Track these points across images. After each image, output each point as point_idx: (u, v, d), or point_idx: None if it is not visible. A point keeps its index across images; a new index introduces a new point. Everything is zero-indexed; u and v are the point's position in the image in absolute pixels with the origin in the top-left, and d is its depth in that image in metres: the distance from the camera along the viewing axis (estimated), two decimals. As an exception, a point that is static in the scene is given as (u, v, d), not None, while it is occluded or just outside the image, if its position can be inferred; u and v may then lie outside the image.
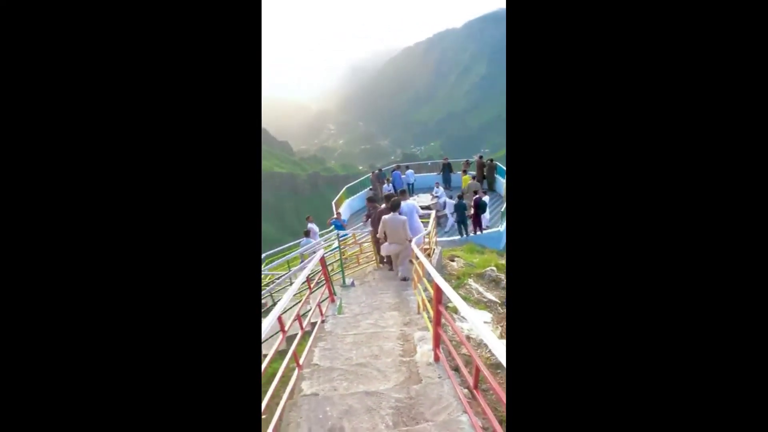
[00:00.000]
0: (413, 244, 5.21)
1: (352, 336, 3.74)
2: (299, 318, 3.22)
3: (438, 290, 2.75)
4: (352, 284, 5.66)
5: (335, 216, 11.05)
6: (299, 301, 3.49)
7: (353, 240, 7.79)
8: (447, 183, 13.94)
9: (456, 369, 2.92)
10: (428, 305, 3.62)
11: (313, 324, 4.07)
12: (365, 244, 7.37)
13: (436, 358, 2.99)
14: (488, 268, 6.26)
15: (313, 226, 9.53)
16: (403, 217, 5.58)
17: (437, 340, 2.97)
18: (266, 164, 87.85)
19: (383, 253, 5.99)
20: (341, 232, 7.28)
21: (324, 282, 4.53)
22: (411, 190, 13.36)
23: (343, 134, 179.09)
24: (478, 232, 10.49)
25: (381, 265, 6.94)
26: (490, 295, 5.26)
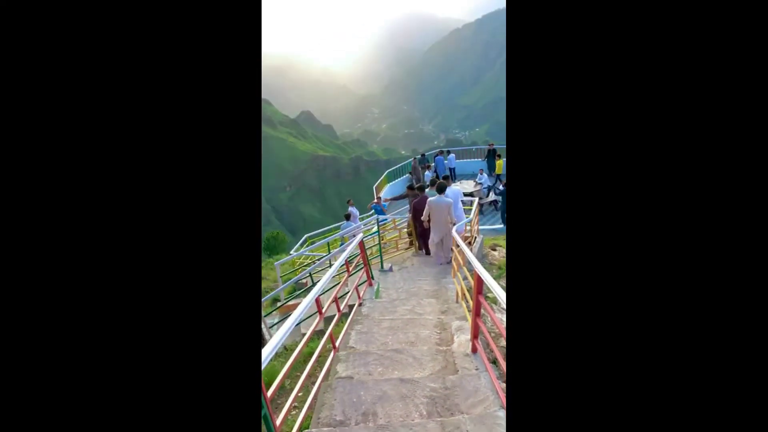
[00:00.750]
0: (454, 232, 5.09)
1: (389, 321, 3.73)
2: (336, 300, 3.23)
3: (479, 280, 2.65)
4: (390, 269, 5.65)
5: (375, 200, 11.07)
6: (338, 284, 3.52)
7: (393, 225, 7.76)
8: (492, 170, 13.54)
9: (494, 362, 2.83)
10: (467, 295, 3.52)
11: (351, 307, 4.10)
12: (405, 230, 7.31)
13: (474, 350, 2.91)
14: (532, 260, 6.01)
15: (353, 210, 9.60)
16: (449, 200, 5.52)
17: (476, 331, 2.88)
18: (310, 147, 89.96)
19: (428, 236, 5.96)
20: (381, 217, 7.27)
21: (363, 266, 4.54)
22: (453, 175, 13.11)
23: (387, 118, 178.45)
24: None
25: (420, 251, 6.88)
26: (532, 288, 5.07)
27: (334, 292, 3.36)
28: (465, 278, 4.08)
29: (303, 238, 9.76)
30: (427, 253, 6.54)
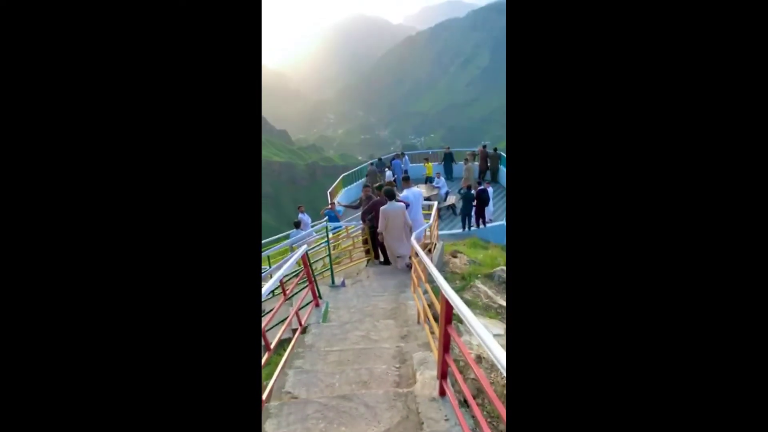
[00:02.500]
0: (413, 240, 4.52)
1: (338, 353, 3.06)
2: (264, 335, 2.52)
3: (447, 307, 2.06)
4: (342, 284, 4.97)
5: (329, 206, 10.32)
6: (271, 310, 2.81)
7: (346, 233, 7.08)
8: (449, 174, 13.26)
9: (466, 403, 2.25)
10: (429, 315, 2.93)
11: (292, 333, 3.39)
12: (359, 238, 6.66)
13: (442, 392, 2.31)
14: (498, 269, 5.58)
15: (304, 217, 8.82)
16: (401, 204, 5.02)
17: (444, 370, 2.28)
18: (264, 153, 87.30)
19: (385, 244, 5.47)
20: (333, 224, 6.53)
21: (307, 283, 3.84)
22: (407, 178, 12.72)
23: (343, 124, 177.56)
24: (482, 226, 9.82)
25: (375, 260, 6.25)
26: (500, 300, 4.58)
27: (265, 321, 2.65)
28: (425, 292, 3.50)
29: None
30: (385, 262, 5.96)
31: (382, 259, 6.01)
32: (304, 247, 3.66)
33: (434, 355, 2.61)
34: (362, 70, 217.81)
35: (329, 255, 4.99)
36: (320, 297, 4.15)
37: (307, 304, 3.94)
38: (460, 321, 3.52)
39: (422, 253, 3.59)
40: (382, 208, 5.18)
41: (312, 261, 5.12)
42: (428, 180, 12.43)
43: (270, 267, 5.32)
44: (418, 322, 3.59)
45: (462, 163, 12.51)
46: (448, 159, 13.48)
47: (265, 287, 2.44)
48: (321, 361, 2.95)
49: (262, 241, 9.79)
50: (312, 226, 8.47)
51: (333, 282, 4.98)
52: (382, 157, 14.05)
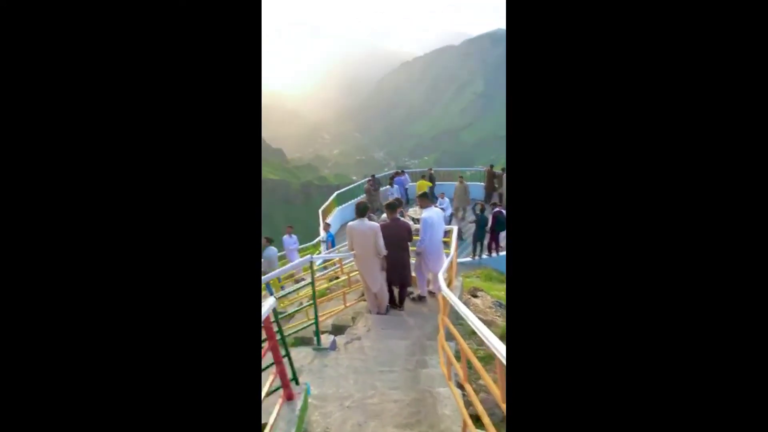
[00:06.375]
0: (441, 279, 3.03)
1: None
2: None
3: None
4: (332, 346, 3.39)
5: (324, 227, 8.78)
6: None
7: (338, 265, 5.49)
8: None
9: None
10: (485, 418, 1.41)
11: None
12: (355, 273, 5.09)
13: None
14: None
15: (288, 240, 7.26)
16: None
17: None
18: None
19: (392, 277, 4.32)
20: (317, 256, 4.86)
21: (273, 364, 2.27)
22: (406, 197, 11.45)
23: (338, 144, 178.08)
24: (494, 254, 8.39)
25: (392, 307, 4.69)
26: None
27: None
28: (454, 355, 1.97)
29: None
30: (399, 304, 4.47)
31: (390, 301, 4.48)
32: (271, 301, 2.12)
33: None
34: (360, 93, 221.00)
35: (314, 304, 3.40)
36: (295, 378, 2.57)
37: (274, 391, 2.36)
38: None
39: (450, 294, 2.18)
40: (348, 224, 4.09)
41: (286, 307, 3.61)
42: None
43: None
44: (465, 445, 2.03)
45: (453, 184, 11.20)
46: (431, 180, 12.17)
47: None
48: None
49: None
50: (301, 253, 6.86)
51: (318, 342, 3.39)
52: (376, 176, 12.72)
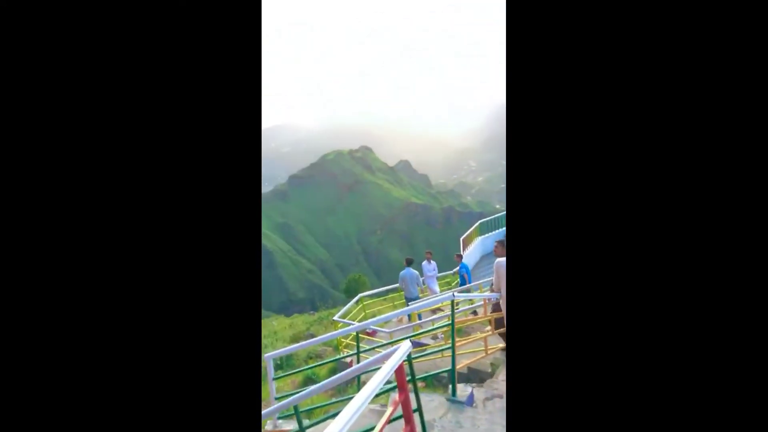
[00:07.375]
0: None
1: None
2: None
3: None
4: (470, 401, 2.96)
5: (457, 257, 8.40)
6: None
7: (482, 305, 5.01)
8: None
9: None
10: None
11: None
12: (494, 313, 4.52)
13: None
14: None
15: (426, 266, 7.06)
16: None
17: None
18: (404, 194, 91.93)
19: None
20: (461, 295, 4.42)
21: (400, 416, 2.00)
22: None
23: (484, 172, 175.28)
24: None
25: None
26: None
27: None
28: None
29: (356, 298, 7.37)
30: None
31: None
32: (403, 349, 1.87)
33: None
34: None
35: (453, 347, 3.03)
36: (425, 433, 2.24)
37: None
38: None
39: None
40: (498, 260, 3.49)
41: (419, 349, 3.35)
42: None
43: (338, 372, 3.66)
44: None
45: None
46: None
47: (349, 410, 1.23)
48: None
49: (368, 292, 8.40)
50: (444, 287, 6.53)
51: (454, 394, 3.00)
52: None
